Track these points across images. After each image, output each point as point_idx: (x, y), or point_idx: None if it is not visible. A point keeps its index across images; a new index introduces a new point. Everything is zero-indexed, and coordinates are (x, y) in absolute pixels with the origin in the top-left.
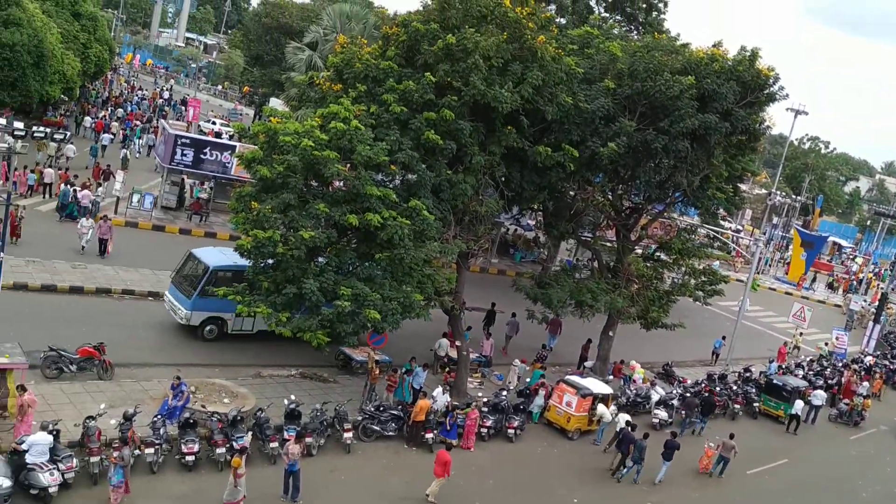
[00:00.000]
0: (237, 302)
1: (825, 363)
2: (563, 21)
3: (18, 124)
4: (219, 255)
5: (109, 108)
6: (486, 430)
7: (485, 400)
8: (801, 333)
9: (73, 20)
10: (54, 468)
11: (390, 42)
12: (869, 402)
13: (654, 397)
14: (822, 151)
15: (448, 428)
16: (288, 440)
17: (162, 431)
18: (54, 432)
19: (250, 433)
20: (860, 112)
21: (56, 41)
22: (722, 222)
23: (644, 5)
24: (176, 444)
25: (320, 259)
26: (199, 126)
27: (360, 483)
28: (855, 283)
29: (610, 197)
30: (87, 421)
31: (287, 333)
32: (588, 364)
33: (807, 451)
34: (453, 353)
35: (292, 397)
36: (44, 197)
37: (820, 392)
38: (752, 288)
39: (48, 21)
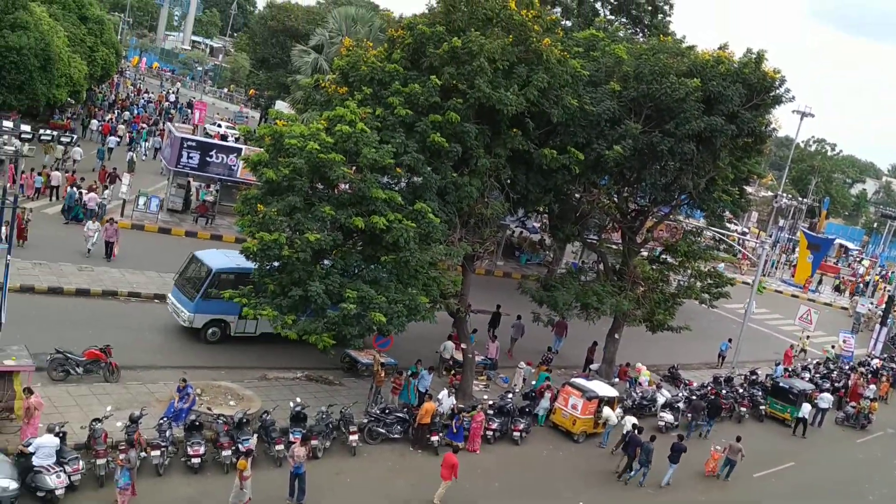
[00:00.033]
0: (243, 305)
1: (832, 366)
2: (568, 24)
3: (25, 127)
4: (222, 258)
5: (116, 111)
6: (491, 433)
7: (490, 402)
8: (807, 337)
9: (80, 23)
10: (61, 470)
11: (396, 45)
12: (876, 406)
13: (660, 400)
14: (829, 153)
15: (454, 431)
16: (293, 443)
17: (168, 434)
18: (61, 435)
19: (256, 436)
20: (866, 114)
21: (63, 44)
22: (728, 225)
23: (649, 8)
24: (182, 446)
25: (326, 262)
26: (204, 129)
27: (366, 485)
28: (861, 285)
29: (615, 199)
30: (94, 423)
31: (293, 336)
32: (594, 367)
33: (813, 455)
34: (458, 356)
35: (298, 400)
36: (50, 199)
37: (826, 395)
38: (758, 290)
39: (55, 24)
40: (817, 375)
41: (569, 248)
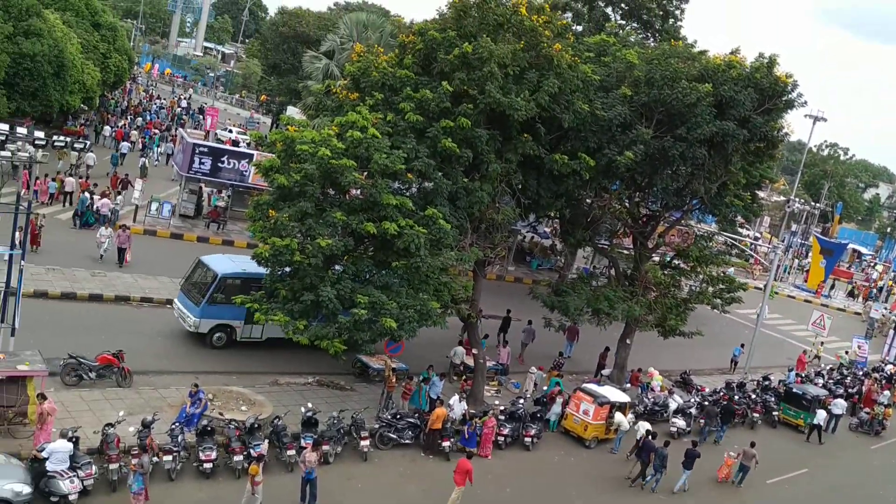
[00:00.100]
0: (254, 310)
1: (845, 372)
2: (579, 29)
3: (39, 133)
4: (228, 263)
5: (129, 118)
6: (503, 439)
7: (502, 408)
8: (821, 343)
9: (93, 30)
10: (74, 475)
11: (407, 50)
12: (890, 412)
13: (672, 406)
14: (841, 158)
15: (466, 437)
16: (305, 448)
17: (180, 439)
18: (74, 440)
19: (267, 441)
20: (881, 117)
21: (76, 51)
22: (740, 230)
23: (660, 12)
24: (194, 451)
25: (337, 267)
26: (216, 135)
27: (377, 491)
28: (875, 290)
29: (627, 204)
30: (106, 428)
31: (303, 341)
32: (605, 372)
33: (827, 461)
34: (469, 361)
35: (309, 405)
36: (64, 205)
37: (840, 401)
38: (770, 295)
39: (68, 31)
40: (831, 381)
41: (580, 254)
